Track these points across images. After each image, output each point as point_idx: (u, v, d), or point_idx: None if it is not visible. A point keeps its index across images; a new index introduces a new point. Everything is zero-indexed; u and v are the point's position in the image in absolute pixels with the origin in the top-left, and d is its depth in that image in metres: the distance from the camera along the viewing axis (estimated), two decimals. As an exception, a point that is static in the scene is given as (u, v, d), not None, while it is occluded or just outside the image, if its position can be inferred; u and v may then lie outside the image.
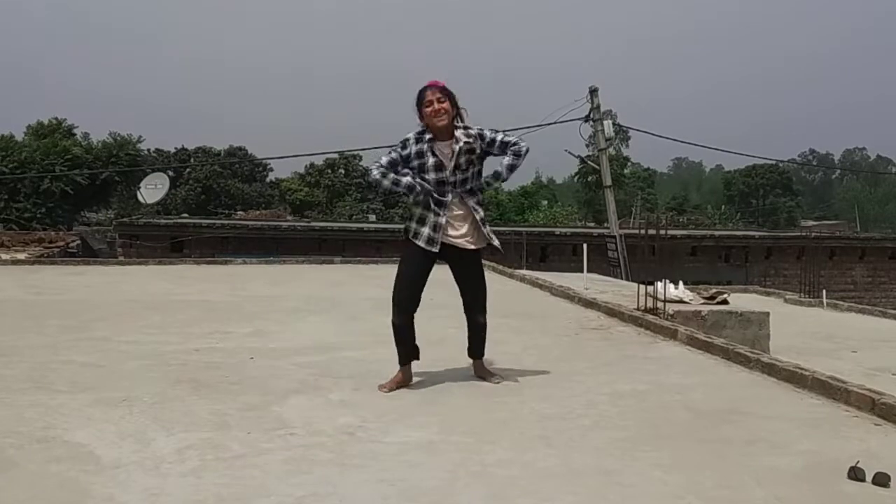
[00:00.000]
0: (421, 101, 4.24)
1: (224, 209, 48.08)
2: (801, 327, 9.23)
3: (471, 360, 4.59)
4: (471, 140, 4.27)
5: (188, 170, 51.49)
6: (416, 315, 4.28)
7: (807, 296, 12.97)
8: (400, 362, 4.32)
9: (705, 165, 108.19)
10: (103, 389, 4.19)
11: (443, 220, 4.22)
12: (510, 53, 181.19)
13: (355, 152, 51.20)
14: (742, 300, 8.82)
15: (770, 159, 66.52)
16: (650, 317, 6.49)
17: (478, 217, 4.30)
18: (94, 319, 6.67)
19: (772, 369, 4.69)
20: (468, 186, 4.30)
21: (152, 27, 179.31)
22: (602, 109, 18.54)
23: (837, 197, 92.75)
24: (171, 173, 36.10)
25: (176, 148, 56.70)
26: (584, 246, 9.67)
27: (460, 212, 4.29)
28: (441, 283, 4.58)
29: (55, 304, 7.85)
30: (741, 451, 3.31)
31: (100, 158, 31.34)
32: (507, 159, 4.33)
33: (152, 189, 23.73)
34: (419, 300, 4.28)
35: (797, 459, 3.20)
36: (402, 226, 4.42)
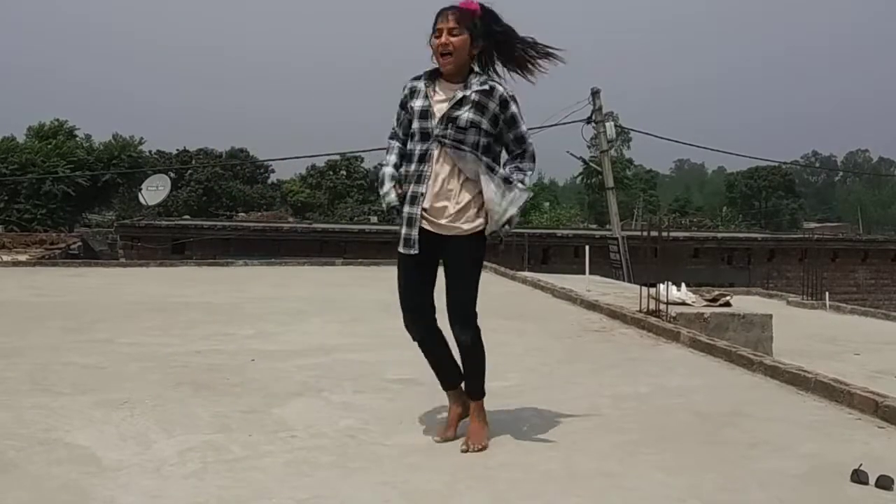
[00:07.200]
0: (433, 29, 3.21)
1: (225, 211, 48.12)
2: (803, 330, 9.21)
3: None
4: (485, 94, 3.17)
5: (190, 171, 51.55)
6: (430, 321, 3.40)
7: (809, 298, 12.96)
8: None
9: (707, 167, 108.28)
10: (105, 391, 4.18)
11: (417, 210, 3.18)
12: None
13: (357, 153, 51.38)
14: (745, 302, 8.80)
15: (772, 161, 66.33)
16: (652, 319, 6.48)
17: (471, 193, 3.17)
18: (96, 321, 6.67)
19: (774, 372, 4.68)
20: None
21: (153, 27, 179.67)
22: (604, 111, 18.52)
23: (840, 199, 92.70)
24: (172, 175, 36.24)
25: (177, 149, 56.78)
26: (587, 248, 9.67)
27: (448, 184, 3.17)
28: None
29: (56, 305, 7.85)
30: (744, 453, 3.30)
31: (101, 160, 31.42)
32: (506, 169, 3.23)
33: (154, 191, 23.78)
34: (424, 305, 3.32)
35: (800, 462, 3.19)
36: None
